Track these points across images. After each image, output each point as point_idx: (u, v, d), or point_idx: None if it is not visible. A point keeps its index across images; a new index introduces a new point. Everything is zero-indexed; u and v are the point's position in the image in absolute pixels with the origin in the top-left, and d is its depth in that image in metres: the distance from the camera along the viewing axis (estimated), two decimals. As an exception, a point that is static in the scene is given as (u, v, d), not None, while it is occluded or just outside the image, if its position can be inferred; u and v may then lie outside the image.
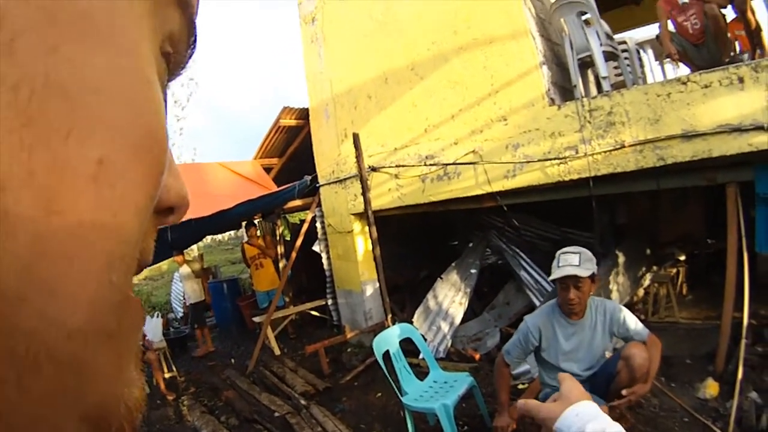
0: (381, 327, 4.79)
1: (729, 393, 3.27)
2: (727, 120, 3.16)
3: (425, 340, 4.74)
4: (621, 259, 5.15)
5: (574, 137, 3.85)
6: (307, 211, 6.65)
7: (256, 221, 8.51)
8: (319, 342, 5.26)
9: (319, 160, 6.49)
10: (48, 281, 0.16)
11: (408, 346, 3.87)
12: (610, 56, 4.23)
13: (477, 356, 4.76)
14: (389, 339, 3.68)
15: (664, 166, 3.46)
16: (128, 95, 0.19)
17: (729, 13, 4.18)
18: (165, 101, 0.25)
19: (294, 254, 6.27)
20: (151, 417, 4.93)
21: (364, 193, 4.76)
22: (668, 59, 4.69)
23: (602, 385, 2.63)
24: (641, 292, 5.41)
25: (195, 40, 0.27)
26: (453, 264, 5.78)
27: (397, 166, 5.25)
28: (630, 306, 5.02)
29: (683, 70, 4.43)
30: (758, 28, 4.00)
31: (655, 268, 5.54)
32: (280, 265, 7.23)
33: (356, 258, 5.96)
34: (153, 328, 6.12)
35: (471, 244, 6.11)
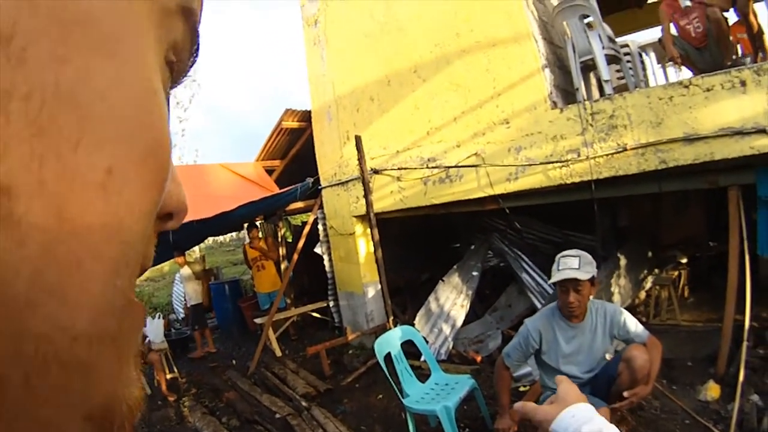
0: (382, 329, 4.79)
1: (730, 395, 3.26)
2: (729, 123, 3.16)
3: (427, 342, 4.74)
4: (623, 261, 5.15)
5: (576, 140, 3.86)
6: (309, 213, 6.66)
7: (257, 223, 8.53)
8: (320, 344, 5.27)
9: (321, 163, 6.50)
10: (57, 286, 0.16)
11: (409, 348, 3.88)
12: (612, 59, 4.23)
13: (478, 358, 4.76)
14: (391, 341, 3.68)
15: (666, 169, 3.46)
16: (135, 104, 0.19)
17: (731, 17, 4.19)
18: (168, 109, 0.25)
19: (296, 256, 6.28)
20: (152, 418, 4.93)
21: (366, 196, 4.77)
22: (670, 62, 4.69)
23: (603, 387, 2.63)
24: (643, 294, 5.41)
25: (197, 49, 0.27)
26: (455, 266, 5.78)
27: (399, 168, 5.26)
28: (631, 308, 5.02)
29: (685, 73, 4.43)
30: (760, 32, 4.01)
31: (656, 270, 5.53)
32: (282, 266, 7.24)
33: (358, 260, 5.96)
34: (154, 329, 6.12)
35: (473, 247, 6.11)
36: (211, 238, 17.57)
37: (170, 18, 0.23)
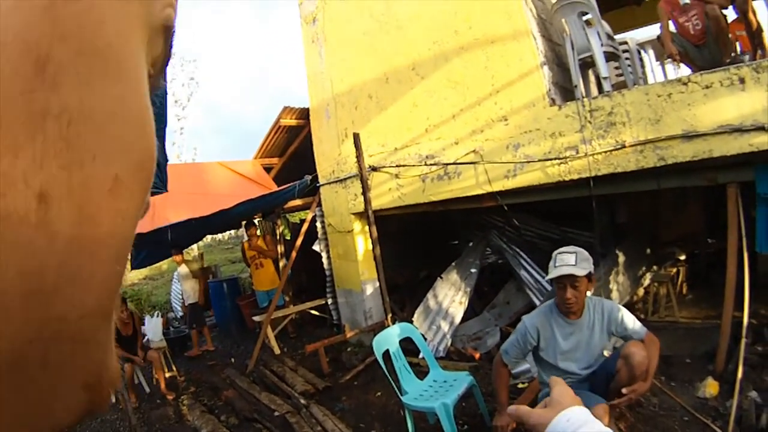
0: (381, 326, 4.79)
1: (729, 392, 3.27)
2: (728, 120, 3.16)
3: (425, 339, 4.74)
4: (621, 258, 5.15)
5: (575, 137, 3.86)
6: (308, 211, 6.66)
7: (256, 221, 8.52)
8: (319, 341, 5.27)
9: (319, 160, 6.49)
10: (76, 274, 0.19)
11: (408, 346, 3.88)
12: (611, 57, 4.23)
13: (477, 355, 4.76)
14: (389, 338, 3.68)
15: (665, 166, 3.46)
16: (135, 120, 0.22)
17: (730, 14, 4.18)
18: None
19: (294, 254, 6.28)
20: (151, 417, 4.93)
21: (364, 193, 4.76)
22: (669, 60, 4.69)
23: (602, 383, 2.63)
24: (641, 291, 5.42)
25: (168, 61, 0.30)
26: (453, 263, 5.78)
27: (397, 165, 5.25)
28: (630, 305, 5.03)
29: (684, 70, 4.43)
30: (759, 29, 4.00)
31: (655, 267, 5.54)
32: (280, 264, 7.24)
33: (356, 257, 5.96)
34: (153, 327, 6.12)
35: (471, 244, 6.11)
36: (209, 236, 17.56)
37: (156, 37, 0.26)
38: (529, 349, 2.79)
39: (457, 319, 5.27)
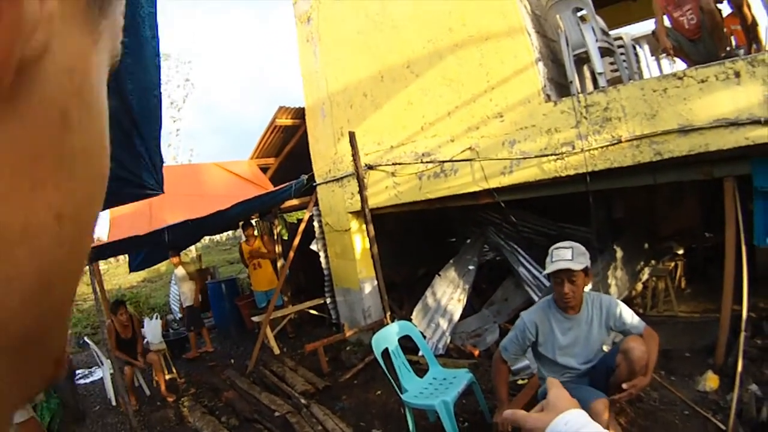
0: (380, 325, 4.79)
1: (729, 386, 3.28)
2: (724, 114, 3.16)
3: (424, 337, 4.74)
4: (619, 253, 5.16)
5: (571, 133, 3.85)
6: (305, 210, 6.65)
7: (253, 221, 8.51)
8: (318, 341, 5.27)
9: (315, 159, 6.48)
10: (68, 269, 0.22)
11: (407, 344, 3.88)
12: (605, 52, 4.22)
13: (476, 352, 4.77)
14: (388, 336, 3.68)
15: (661, 160, 3.46)
16: (103, 147, 0.25)
17: (725, 8, 4.18)
18: None
19: (292, 253, 6.27)
20: (152, 419, 4.93)
21: (361, 192, 4.75)
22: (664, 54, 4.68)
23: (602, 378, 2.63)
24: (640, 286, 5.43)
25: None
26: (451, 261, 5.78)
27: (393, 164, 5.24)
28: (628, 300, 5.04)
29: (679, 65, 4.43)
30: (754, 23, 4.01)
31: (653, 262, 5.54)
32: (278, 264, 7.23)
33: (354, 256, 5.96)
34: (152, 329, 6.11)
35: (469, 241, 6.11)
36: (207, 237, 17.54)
37: (112, 64, 0.28)
38: (527, 345, 2.79)
39: (456, 317, 5.27)
